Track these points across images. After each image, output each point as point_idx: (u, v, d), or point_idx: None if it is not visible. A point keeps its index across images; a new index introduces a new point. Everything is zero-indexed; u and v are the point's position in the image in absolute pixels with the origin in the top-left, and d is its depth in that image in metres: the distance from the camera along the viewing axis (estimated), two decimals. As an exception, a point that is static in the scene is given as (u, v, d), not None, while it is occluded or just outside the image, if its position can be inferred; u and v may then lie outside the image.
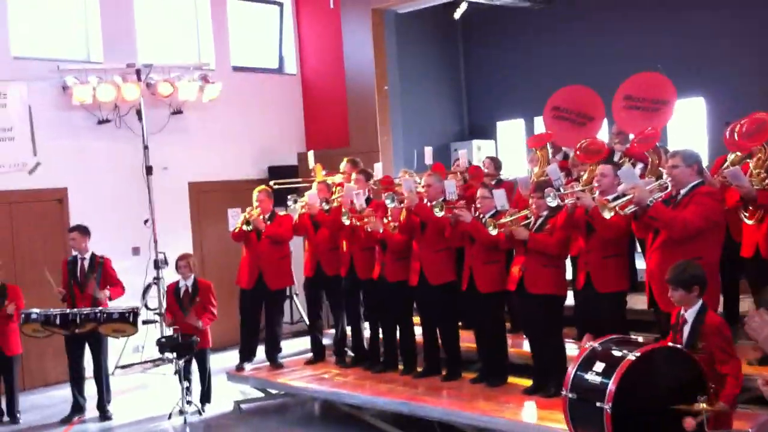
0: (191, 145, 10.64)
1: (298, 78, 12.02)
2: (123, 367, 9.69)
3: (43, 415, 8.14)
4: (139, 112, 9.89)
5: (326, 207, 7.95)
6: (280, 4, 12.02)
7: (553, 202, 6.06)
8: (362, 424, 7.21)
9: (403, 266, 7.33)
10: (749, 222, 5.86)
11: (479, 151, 12.95)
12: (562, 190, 6.31)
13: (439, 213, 6.86)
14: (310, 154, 9.51)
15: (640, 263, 6.91)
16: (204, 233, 10.81)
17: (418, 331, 7.58)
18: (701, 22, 11.13)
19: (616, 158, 6.93)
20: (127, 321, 7.58)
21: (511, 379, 6.84)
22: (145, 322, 9.38)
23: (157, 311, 9.68)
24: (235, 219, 8.13)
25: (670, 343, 4.83)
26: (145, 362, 9.85)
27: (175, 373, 7.63)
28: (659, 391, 4.55)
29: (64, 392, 8.21)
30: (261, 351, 8.46)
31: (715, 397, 4.47)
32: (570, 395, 4.85)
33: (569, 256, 6.69)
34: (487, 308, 6.75)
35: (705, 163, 6.01)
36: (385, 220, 7.36)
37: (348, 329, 8.24)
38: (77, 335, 7.57)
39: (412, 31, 12.79)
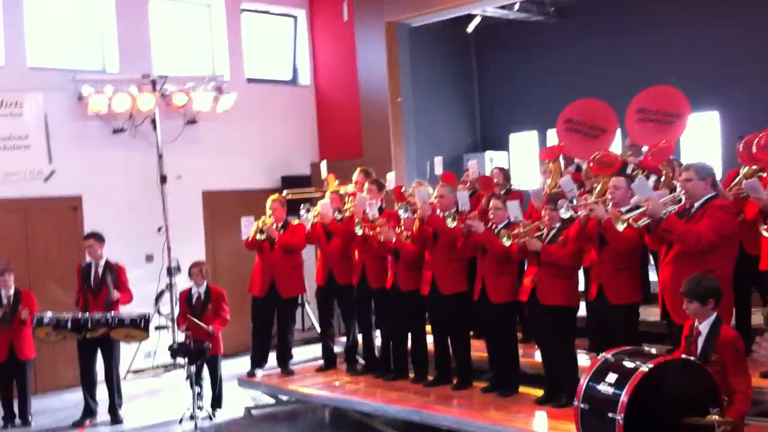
0: (205, 154, 10.71)
1: (311, 89, 12.10)
2: (135, 371, 9.74)
3: (55, 418, 8.19)
4: (153, 122, 9.97)
5: (339, 216, 8.01)
6: (295, 17, 12.11)
7: (566, 214, 6.08)
8: (372, 432, 7.23)
9: (415, 276, 7.35)
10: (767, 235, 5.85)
11: (491, 163, 12.97)
12: (575, 201, 6.33)
13: (451, 224, 6.89)
14: (323, 165, 9.56)
15: (653, 275, 6.91)
16: (217, 241, 10.87)
17: (429, 339, 7.60)
18: (715, 36, 11.15)
19: (629, 170, 6.95)
20: (139, 327, 7.64)
21: (523, 389, 6.84)
22: (157, 328, 9.45)
23: (170, 317, 9.73)
24: (248, 227, 8.17)
25: (683, 355, 4.83)
26: (157, 367, 9.90)
27: (187, 379, 7.67)
28: (672, 403, 4.55)
29: (76, 396, 8.24)
30: (272, 358, 8.49)
31: (726, 410, 4.46)
32: (582, 406, 4.85)
33: (582, 268, 6.70)
34: (499, 318, 6.77)
35: (718, 177, 6.02)
36: (398, 230, 7.39)
37: (359, 337, 8.26)
38: (89, 340, 7.63)
39: (426, 44, 12.84)
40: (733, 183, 6.30)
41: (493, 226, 6.83)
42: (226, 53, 11.25)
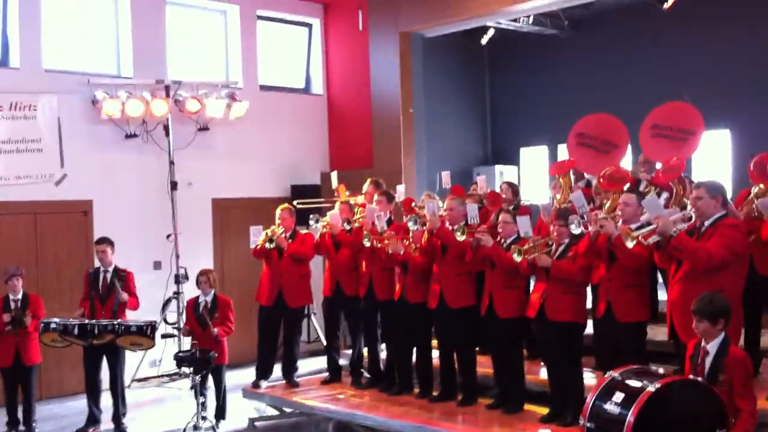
0: (216, 161, 10.73)
1: (324, 98, 12.11)
2: (140, 380, 9.73)
3: (59, 425, 8.18)
4: (166, 128, 9.99)
5: (348, 227, 7.98)
6: (310, 25, 12.14)
7: (576, 230, 6.04)
8: (376, 446, 7.18)
9: (423, 288, 7.32)
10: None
11: (501, 177, 12.96)
12: (585, 217, 6.29)
13: (460, 237, 6.85)
14: (334, 175, 9.55)
15: (662, 294, 6.85)
16: (225, 249, 10.87)
17: (434, 354, 7.55)
18: (727, 54, 11.11)
19: (641, 187, 6.90)
20: (145, 334, 7.60)
21: (528, 407, 6.77)
22: (163, 336, 9.43)
23: (176, 325, 9.72)
24: (257, 236, 8.14)
25: (691, 376, 4.78)
26: (162, 376, 9.88)
27: (191, 388, 7.64)
28: (678, 423, 4.51)
29: (81, 403, 8.23)
30: (277, 369, 8.46)
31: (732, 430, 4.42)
32: (588, 425, 4.81)
33: (590, 285, 6.65)
34: (506, 334, 6.72)
35: (728, 195, 5.98)
36: (406, 242, 7.36)
37: (365, 350, 8.22)
38: (95, 346, 7.62)
39: (439, 56, 12.86)
40: (745, 202, 6.25)
41: (502, 241, 6.79)
42: (239, 61, 11.28)
